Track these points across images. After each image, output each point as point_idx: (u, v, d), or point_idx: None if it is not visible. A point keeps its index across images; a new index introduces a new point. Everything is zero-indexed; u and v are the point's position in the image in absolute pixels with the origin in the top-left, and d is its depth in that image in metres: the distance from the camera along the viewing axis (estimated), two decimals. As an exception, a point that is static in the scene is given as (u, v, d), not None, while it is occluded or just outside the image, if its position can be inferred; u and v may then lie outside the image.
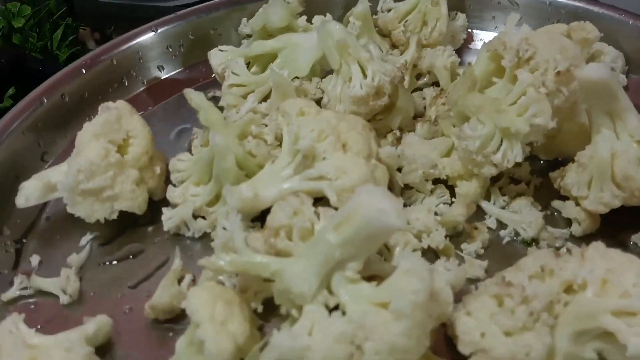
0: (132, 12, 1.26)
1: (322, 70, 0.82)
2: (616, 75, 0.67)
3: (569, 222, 0.69)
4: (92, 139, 0.65)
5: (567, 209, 0.69)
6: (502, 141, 0.66)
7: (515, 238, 0.68)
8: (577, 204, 0.68)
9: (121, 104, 0.72)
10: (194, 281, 0.63)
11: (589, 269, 0.51)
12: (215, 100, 0.84)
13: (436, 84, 0.86)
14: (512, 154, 0.65)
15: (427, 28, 0.91)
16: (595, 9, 0.90)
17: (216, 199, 0.69)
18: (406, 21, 0.92)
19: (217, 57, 0.84)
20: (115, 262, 0.67)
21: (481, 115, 0.67)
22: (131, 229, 0.70)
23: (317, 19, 0.90)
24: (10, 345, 0.54)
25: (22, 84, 0.92)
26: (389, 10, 0.96)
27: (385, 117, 0.76)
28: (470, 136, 0.66)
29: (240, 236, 0.55)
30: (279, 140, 0.69)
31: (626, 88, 0.83)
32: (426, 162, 0.69)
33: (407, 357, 0.47)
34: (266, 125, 0.71)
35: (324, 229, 0.52)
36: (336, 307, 0.51)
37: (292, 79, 0.79)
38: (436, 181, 0.71)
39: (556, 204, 0.71)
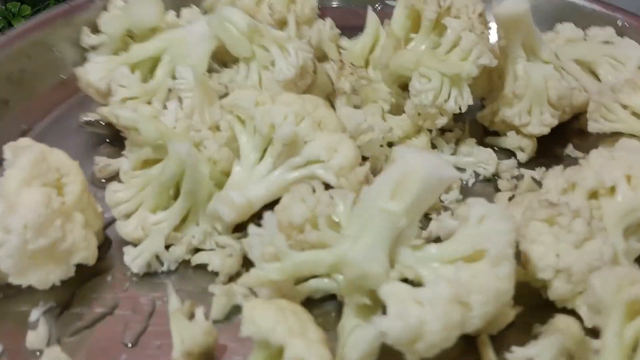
0: None
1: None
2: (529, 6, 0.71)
3: (507, 153, 0.73)
4: (23, 186, 0.52)
5: (509, 140, 0.72)
6: (450, 88, 0.67)
7: (477, 178, 0.70)
8: (518, 132, 0.71)
9: (28, 141, 0.58)
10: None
11: (608, 172, 0.55)
12: (91, 124, 0.74)
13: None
14: (463, 99, 0.67)
15: (297, 5, 0.87)
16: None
17: (183, 220, 0.59)
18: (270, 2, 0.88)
19: (96, 72, 0.72)
20: (92, 326, 0.54)
21: (422, 69, 0.67)
22: (86, 284, 0.57)
23: (186, 12, 0.82)
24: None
25: None
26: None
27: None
28: (422, 90, 0.67)
29: (281, 239, 0.49)
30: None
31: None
32: (383, 127, 0.68)
33: (508, 298, 0.47)
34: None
35: (375, 201, 0.48)
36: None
37: None
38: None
39: (490, 140, 0.74)
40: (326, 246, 0.51)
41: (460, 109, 0.67)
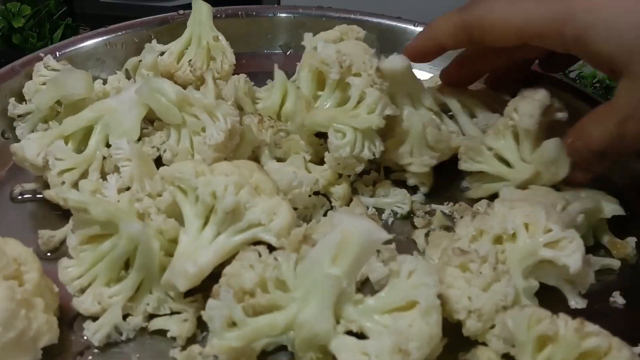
0: (131, 12, 1.18)
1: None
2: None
3: (413, 189, 0.82)
4: None
5: (410, 176, 0.81)
6: (363, 140, 0.75)
7: (395, 216, 0.78)
8: (405, 171, 0.81)
9: None
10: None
11: (510, 220, 0.64)
12: (22, 196, 0.77)
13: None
14: (376, 147, 0.75)
15: (216, 62, 0.94)
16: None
17: (136, 290, 0.63)
18: (190, 60, 0.93)
19: (32, 147, 0.73)
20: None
21: (336, 126, 0.75)
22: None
23: (112, 79, 0.86)
24: None
25: None
26: (162, 54, 0.96)
27: (235, 153, 0.78)
28: (339, 145, 0.74)
29: (238, 309, 0.54)
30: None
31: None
32: (309, 179, 0.74)
33: (438, 340, 0.54)
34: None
35: (318, 266, 0.55)
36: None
37: None
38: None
39: (395, 175, 0.82)
40: (277, 306, 0.57)
41: (374, 154, 0.75)
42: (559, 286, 0.67)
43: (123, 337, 0.62)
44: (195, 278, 0.61)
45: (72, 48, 0.96)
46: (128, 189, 0.70)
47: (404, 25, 1.09)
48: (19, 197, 0.77)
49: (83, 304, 0.62)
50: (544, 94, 0.75)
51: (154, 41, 1.00)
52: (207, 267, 0.62)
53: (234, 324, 0.55)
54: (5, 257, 0.57)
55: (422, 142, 0.79)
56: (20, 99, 0.86)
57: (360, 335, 0.56)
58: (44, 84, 0.85)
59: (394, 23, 1.09)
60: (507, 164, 0.78)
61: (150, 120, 0.82)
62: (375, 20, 1.10)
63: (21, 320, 0.54)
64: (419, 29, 1.05)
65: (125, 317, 0.62)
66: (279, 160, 0.81)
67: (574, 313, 0.58)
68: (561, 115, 0.78)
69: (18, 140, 0.80)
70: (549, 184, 0.75)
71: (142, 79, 0.81)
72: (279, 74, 0.89)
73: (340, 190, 0.78)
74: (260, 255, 0.60)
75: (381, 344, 0.53)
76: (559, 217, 0.63)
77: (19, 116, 0.85)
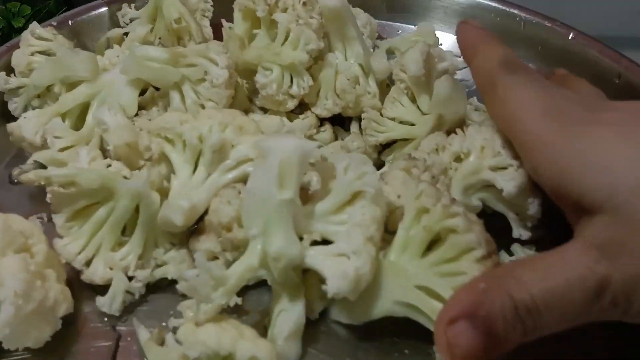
0: None
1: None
2: (348, 5, 0.78)
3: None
4: None
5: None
6: (291, 76, 0.76)
7: None
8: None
9: None
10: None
11: (470, 141, 0.66)
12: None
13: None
14: (304, 82, 0.76)
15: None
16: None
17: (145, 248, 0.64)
18: (160, 38, 0.90)
19: (29, 127, 0.73)
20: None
21: (264, 64, 0.75)
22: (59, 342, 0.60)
23: (110, 53, 0.84)
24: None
25: None
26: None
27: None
28: (266, 83, 0.74)
29: (213, 265, 0.54)
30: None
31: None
32: (302, 125, 0.78)
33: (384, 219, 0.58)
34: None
35: (268, 195, 0.55)
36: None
37: None
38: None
39: None
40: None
41: (303, 89, 0.76)
42: (505, 213, 0.66)
43: (137, 296, 0.63)
44: (190, 213, 0.61)
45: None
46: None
47: None
48: (16, 180, 0.75)
49: (96, 274, 0.62)
50: (422, 43, 0.75)
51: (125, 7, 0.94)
52: (201, 204, 0.62)
53: (217, 284, 0.55)
54: (12, 230, 0.58)
55: (330, 87, 0.77)
56: (10, 71, 0.81)
57: (325, 242, 0.56)
58: (33, 54, 0.82)
59: None
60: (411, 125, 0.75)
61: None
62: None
63: (38, 291, 0.55)
64: None
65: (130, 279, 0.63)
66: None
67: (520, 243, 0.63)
68: (446, 63, 0.77)
69: (10, 115, 0.79)
70: (455, 125, 0.71)
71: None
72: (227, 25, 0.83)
73: (325, 135, 0.79)
74: (240, 192, 0.61)
75: (351, 240, 0.54)
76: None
77: (11, 90, 0.82)
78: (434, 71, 0.76)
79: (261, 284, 0.63)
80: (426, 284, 0.55)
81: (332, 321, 0.62)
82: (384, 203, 0.57)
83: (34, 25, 0.83)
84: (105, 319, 0.63)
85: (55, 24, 0.91)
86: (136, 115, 0.77)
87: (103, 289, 0.62)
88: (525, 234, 0.68)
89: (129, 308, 0.63)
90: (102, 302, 0.61)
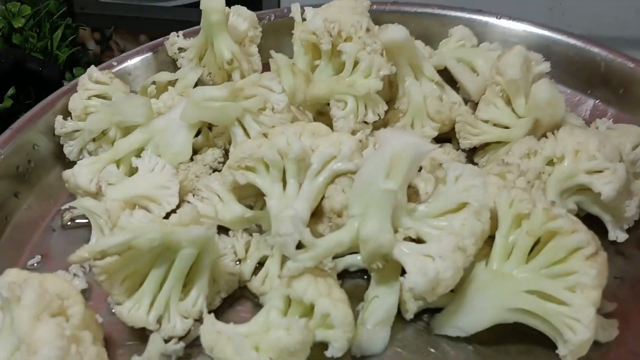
0: (132, 12, 1.16)
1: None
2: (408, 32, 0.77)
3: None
4: (34, 323, 0.52)
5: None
6: (365, 105, 0.74)
7: None
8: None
9: (20, 272, 0.58)
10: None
11: (562, 145, 0.65)
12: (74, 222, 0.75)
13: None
14: (379, 109, 0.75)
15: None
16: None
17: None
18: (209, 74, 0.88)
19: (84, 174, 0.71)
20: None
21: (336, 96, 0.74)
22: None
23: (165, 96, 0.82)
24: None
25: (22, 84, 0.81)
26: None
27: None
28: (343, 116, 0.73)
29: (307, 231, 0.55)
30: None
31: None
32: None
33: (486, 236, 0.57)
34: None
35: (373, 182, 0.56)
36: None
37: (177, 167, 0.72)
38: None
39: None
40: None
41: (379, 116, 0.75)
42: (601, 216, 0.67)
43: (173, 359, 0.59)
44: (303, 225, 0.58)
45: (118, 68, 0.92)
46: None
47: (485, 19, 0.97)
48: (69, 224, 0.75)
49: (176, 328, 0.59)
50: (519, 47, 0.75)
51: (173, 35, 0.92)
52: (304, 213, 0.62)
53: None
54: (47, 294, 0.55)
55: (423, 114, 0.77)
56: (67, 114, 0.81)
57: (418, 241, 0.57)
58: (89, 98, 0.81)
59: (474, 16, 0.97)
60: (506, 128, 0.75)
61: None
62: (453, 14, 0.98)
63: (73, 357, 0.51)
64: (503, 21, 0.96)
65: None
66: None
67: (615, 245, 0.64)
68: (543, 67, 0.76)
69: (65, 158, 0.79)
70: (550, 128, 0.70)
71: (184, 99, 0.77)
72: (278, 57, 0.81)
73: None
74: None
75: (441, 245, 0.54)
76: (611, 150, 0.64)
77: (67, 134, 0.80)
78: (530, 74, 0.76)
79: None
80: (537, 287, 0.55)
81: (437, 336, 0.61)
82: (487, 219, 0.57)
83: (92, 69, 0.84)
84: None
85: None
86: (191, 160, 0.76)
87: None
88: (622, 236, 0.68)
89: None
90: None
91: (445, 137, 0.81)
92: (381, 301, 0.59)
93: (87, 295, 0.67)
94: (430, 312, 0.62)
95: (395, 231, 0.57)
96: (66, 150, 0.81)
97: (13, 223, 0.75)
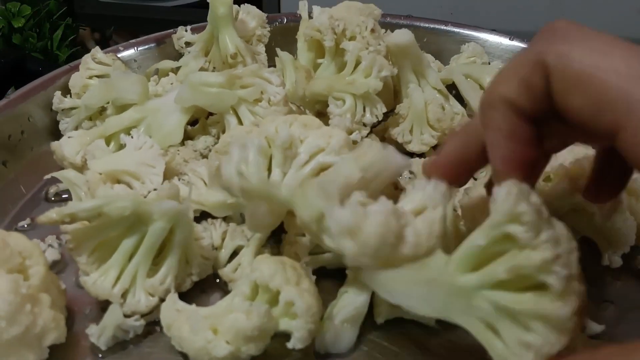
0: (131, 12, 1.16)
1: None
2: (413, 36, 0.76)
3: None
4: None
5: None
6: (363, 105, 0.73)
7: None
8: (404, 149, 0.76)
9: None
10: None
11: (560, 161, 0.61)
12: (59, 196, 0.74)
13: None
14: (378, 110, 0.73)
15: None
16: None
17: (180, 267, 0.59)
18: (214, 68, 0.88)
19: (71, 146, 0.70)
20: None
21: (335, 94, 0.73)
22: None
23: (165, 80, 0.83)
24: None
25: (22, 84, 0.82)
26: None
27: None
28: (339, 113, 0.72)
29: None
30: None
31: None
32: None
33: None
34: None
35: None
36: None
37: (166, 149, 0.71)
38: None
39: None
40: None
41: (377, 117, 0.73)
42: (595, 239, 0.62)
43: (131, 335, 0.56)
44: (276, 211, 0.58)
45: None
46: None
47: (498, 39, 0.96)
48: (53, 198, 0.74)
49: (140, 304, 0.57)
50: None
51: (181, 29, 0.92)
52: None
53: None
54: (8, 249, 0.53)
55: (422, 120, 0.75)
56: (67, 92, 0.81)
57: None
58: (90, 77, 0.81)
59: (488, 36, 0.96)
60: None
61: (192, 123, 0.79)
62: (467, 32, 0.98)
63: (26, 316, 0.49)
64: (515, 42, 0.95)
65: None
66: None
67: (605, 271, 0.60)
68: None
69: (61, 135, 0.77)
70: None
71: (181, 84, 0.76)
72: (283, 54, 0.82)
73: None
74: None
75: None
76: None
77: (64, 110, 0.80)
78: None
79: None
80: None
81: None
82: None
83: (96, 49, 0.85)
84: (100, 355, 0.56)
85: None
86: (183, 144, 0.76)
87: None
88: (616, 262, 0.63)
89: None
90: (92, 331, 0.55)
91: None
92: (352, 298, 0.56)
93: (61, 268, 0.65)
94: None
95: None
96: (62, 126, 0.81)
97: (-3, 189, 0.72)
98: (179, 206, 0.56)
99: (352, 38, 0.73)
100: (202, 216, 0.67)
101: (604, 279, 0.63)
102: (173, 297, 0.55)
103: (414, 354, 0.56)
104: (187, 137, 0.77)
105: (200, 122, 0.79)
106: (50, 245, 0.67)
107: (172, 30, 0.94)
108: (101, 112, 0.79)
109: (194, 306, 0.54)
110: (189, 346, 0.52)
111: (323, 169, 0.60)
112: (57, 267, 0.65)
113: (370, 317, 0.57)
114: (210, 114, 0.78)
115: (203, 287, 0.62)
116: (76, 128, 0.79)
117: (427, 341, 0.57)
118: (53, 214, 0.54)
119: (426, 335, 0.57)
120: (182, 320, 0.52)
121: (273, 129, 0.60)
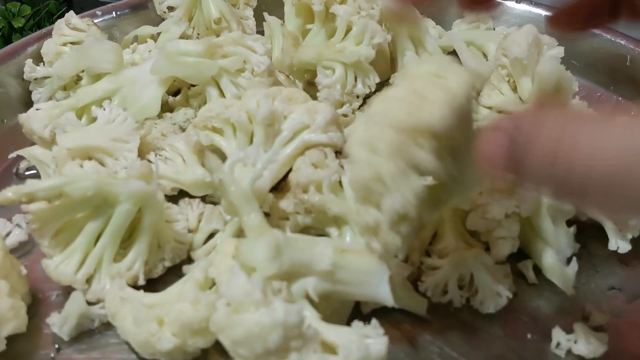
0: None
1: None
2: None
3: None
4: None
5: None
6: (354, 74, 0.68)
7: None
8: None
9: None
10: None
11: None
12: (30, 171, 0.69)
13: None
14: (370, 80, 0.68)
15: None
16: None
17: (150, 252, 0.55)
18: (198, 35, 0.84)
19: (39, 119, 0.65)
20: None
21: (324, 62, 0.67)
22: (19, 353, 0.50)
23: (143, 47, 0.78)
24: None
25: None
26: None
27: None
28: (329, 84, 0.67)
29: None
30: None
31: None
32: None
33: None
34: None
35: None
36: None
37: (142, 122, 0.66)
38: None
39: None
40: (323, 210, 0.53)
41: (370, 88, 0.68)
42: (602, 222, 0.59)
43: (96, 324, 0.52)
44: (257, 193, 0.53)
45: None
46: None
47: (503, 1, 0.90)
48: (25, 173, 0.69)
49: (103, 292, 0.52)
50: (529, 26, 0.67)
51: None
52: (265, 183, 0.56)
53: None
54: None
55: None
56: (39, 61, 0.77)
57: None
58: (64, 44, 0.76)
59: None
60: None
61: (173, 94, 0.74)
62: None
63: None
64: (522, 5, 0.89)
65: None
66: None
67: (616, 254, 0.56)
68: (556, 51, 0.69)
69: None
70: None
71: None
72: (271, 19, 0.77)
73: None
74: (326, 156, 0.55)
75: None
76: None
77: (36, 80, 0.75)
78: (541, 58, 0.68)
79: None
80: None
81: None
82: None
83: (70, 14, 0.79)
84: (57, 345, 0.52)
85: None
86: (161, 117, 0.70)
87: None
88: (623, 247, 0.58)
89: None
90: (54, 320, 0.51)
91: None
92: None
93: (28, 249, 0.61)
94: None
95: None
96: (34, 97, 0.76)
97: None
98: (146, 187, 0.51)
99: (342, 2, 0.68)
100: (180, 195, 0.62)
101: (611, 266, 0.58)
102: (119, 283, 0.51)
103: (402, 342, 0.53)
104: (168, 108, 0.72)
105: (182, 92, 0.74)
106: (17, 225, 0.63)
107: (153, -7, 0.87)
108: (76, 82, 0.73)
109: (141, 293, 0.50)
110: (132, 338, 0.48)
111: (308, 147, 0.56)
112: (24, 248, 0.61)
113: (357, 308, 0.53)
114: (193, 84, 0.73)
115: (178, 272, 0.57)
116: (50, 99, 0.74)
117: (416, 331, 0.53)
118: (9, 192, 0.50)
119: (416, 326, 0.54)
120: (127, 310, 0.48)
121: (254, 103, 0.56)
